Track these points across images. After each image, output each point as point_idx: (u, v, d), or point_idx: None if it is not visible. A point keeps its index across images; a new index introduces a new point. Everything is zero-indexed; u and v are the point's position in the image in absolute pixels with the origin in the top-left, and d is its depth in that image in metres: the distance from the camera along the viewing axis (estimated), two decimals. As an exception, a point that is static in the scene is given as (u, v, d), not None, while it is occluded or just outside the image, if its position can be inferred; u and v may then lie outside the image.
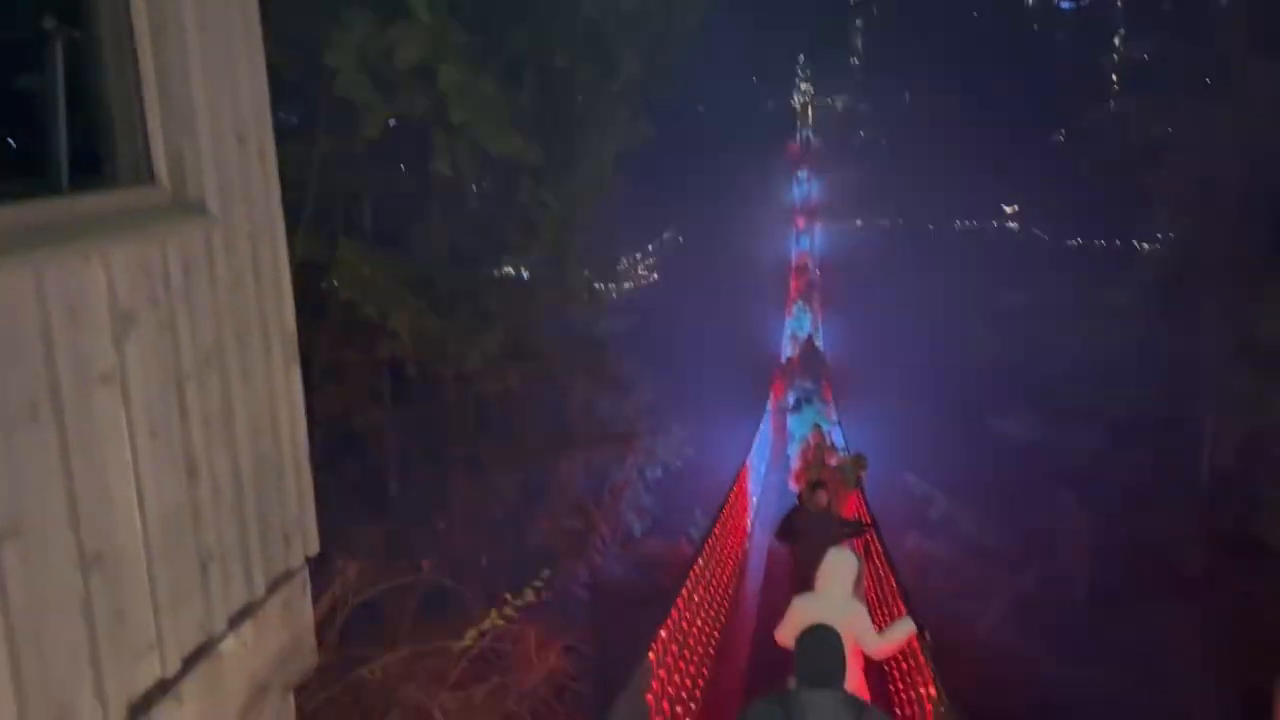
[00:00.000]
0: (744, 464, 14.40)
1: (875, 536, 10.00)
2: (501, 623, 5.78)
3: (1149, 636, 14.55)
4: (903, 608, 7.56)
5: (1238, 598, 13.14)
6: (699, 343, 37.65)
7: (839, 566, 5.41)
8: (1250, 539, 13.31)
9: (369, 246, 11.71)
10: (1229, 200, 15.02)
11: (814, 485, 8.65)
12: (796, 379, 24.18)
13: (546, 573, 6.63)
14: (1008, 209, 71.43)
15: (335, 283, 11.31)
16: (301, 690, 6.71)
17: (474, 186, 12.17)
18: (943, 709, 5.48)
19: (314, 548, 2.88)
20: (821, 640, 3.36)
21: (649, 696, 6.01)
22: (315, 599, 7.02)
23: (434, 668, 6.09)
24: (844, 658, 3.36)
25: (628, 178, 13.63)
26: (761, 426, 18.56)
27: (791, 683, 3.46)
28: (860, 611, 5.43)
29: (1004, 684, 16.29)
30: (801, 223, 66.18)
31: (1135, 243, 21.74)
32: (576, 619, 10.33)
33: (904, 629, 5.71)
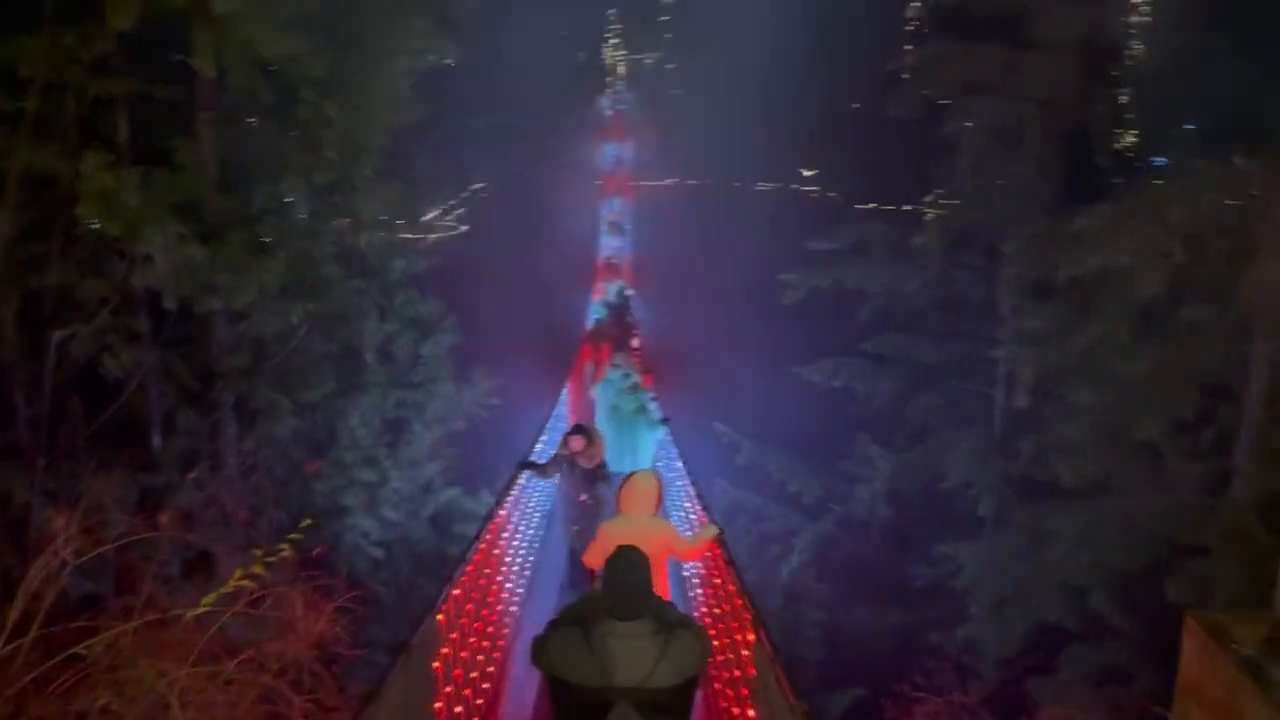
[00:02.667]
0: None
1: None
2: (248, 583, 4.86)
3: (943, 576, 15.17)
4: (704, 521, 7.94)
5: (1029, 535, 13.72)
6: (509, 293, 36.64)
7: (641, 487, 5.54)
8: (1040, 479, 13.88)
9: (118, 161, 10.12)
10: (1025, 147, 15.48)
11: (570, 432, 8.09)
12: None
13: (307, 523, 5.75)
14: (806, 172, 73.93)
15: (77, 201, 9.69)
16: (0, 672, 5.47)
17: (247, 95, 10.67)
18: (768, 656, 5.12)
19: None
20: (630, 568, 3.22)
21: (436, 664, 5.27)
22: (26, 561, 5.77)
23: (176, 639, 5.11)
24: (650, 585, 3.27)
25: (437, 119, 12.62)
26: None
27: (598, 583, 3.43)
28: (665, 525, 5.85)
29: (804, 626, 16.70)
30: (613, 181, 65.81)
31: (928, 199, 22.45)
32: (362, 580, 9.40)
33: (708, 532, 6.39)
